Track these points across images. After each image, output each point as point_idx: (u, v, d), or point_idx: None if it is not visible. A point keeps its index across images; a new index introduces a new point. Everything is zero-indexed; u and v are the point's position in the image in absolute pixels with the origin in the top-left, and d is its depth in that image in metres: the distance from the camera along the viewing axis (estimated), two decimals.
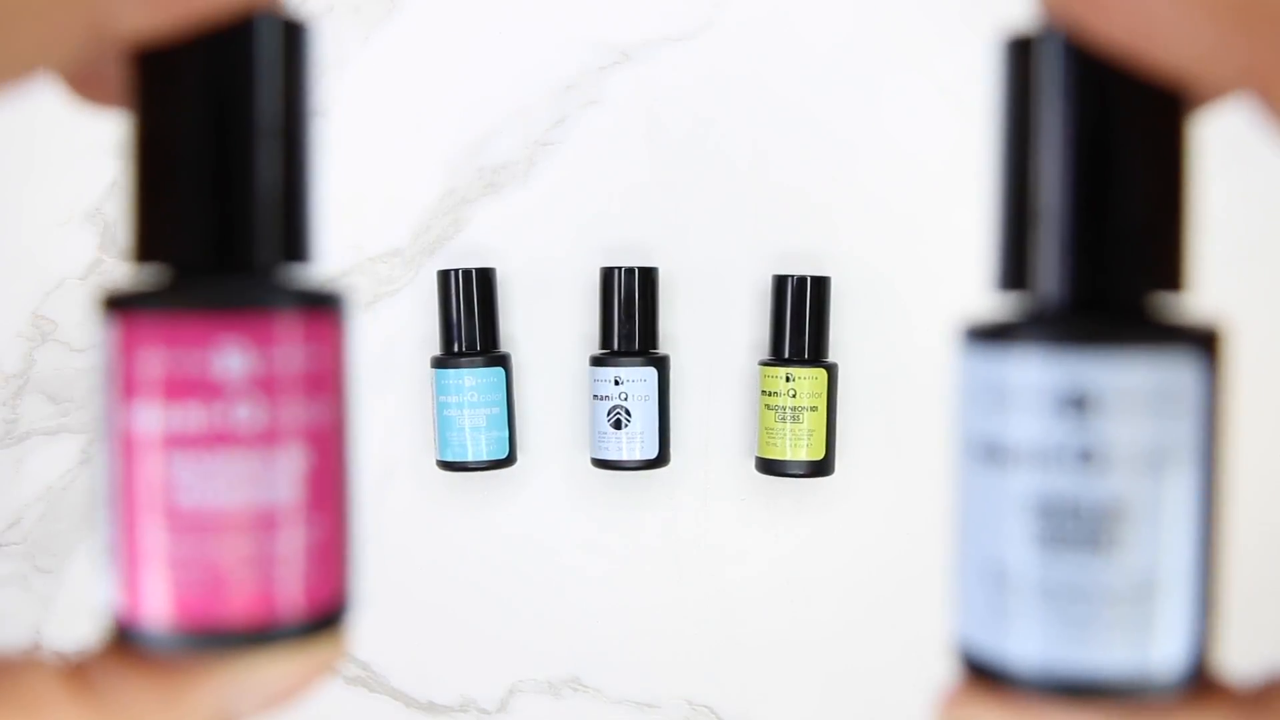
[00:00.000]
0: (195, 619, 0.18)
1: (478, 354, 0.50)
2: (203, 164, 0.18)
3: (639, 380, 0.49)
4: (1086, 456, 0.17)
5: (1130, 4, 0.17)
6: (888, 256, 0.53)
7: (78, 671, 0.19)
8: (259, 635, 0.18)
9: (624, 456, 0.49)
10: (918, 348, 0.51)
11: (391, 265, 0.53)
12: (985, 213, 0.57)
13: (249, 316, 0.17)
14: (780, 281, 0.50)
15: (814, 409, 0.49)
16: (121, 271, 0.54)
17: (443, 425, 0.50)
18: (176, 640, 0.18)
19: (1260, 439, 0.48)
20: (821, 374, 0.50)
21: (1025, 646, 0.18)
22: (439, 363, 0.50)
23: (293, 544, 0.18)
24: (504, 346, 0.52)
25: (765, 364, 0.50)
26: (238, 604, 0.18)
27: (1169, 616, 0.17)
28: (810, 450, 0.50)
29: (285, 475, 0.18)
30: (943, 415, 0.50)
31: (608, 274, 0.50)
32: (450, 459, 0.50)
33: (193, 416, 0.17)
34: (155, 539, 0.18)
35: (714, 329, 0.53)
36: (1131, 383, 0.17)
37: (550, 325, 0.53)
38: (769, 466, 0.50)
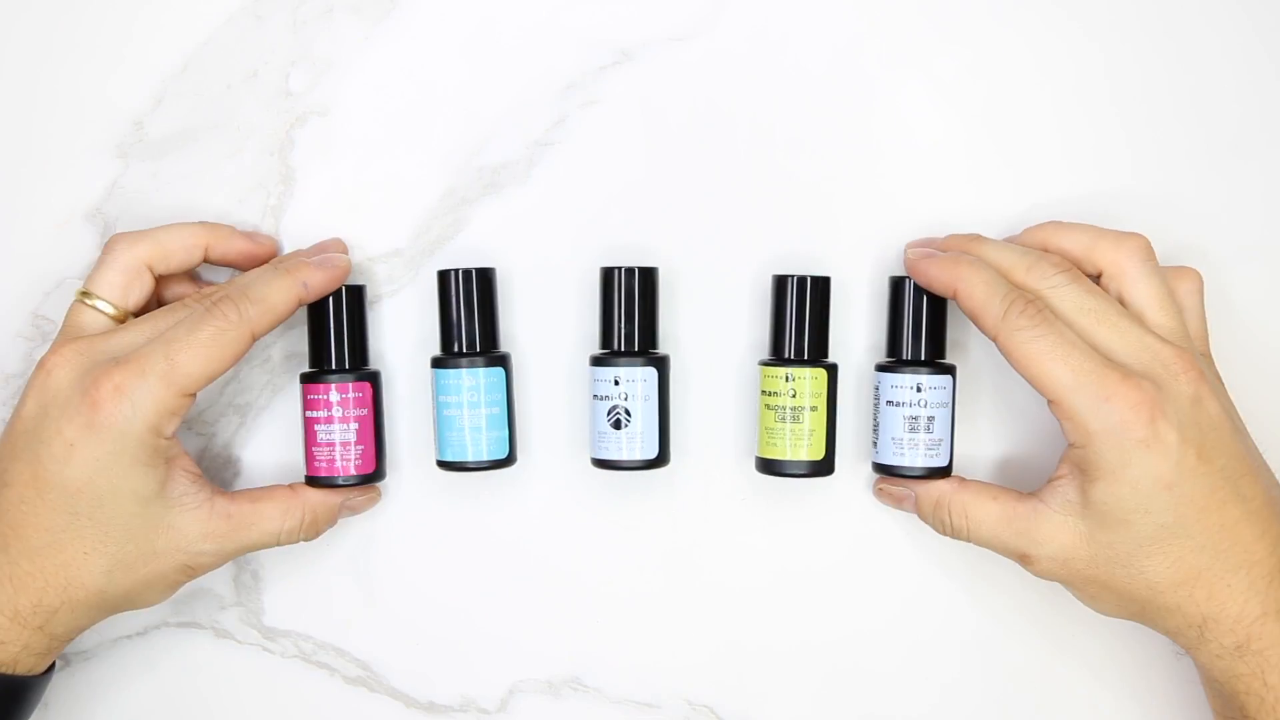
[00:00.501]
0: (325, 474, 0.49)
1: (478, 354, 0.50)
2: None
3: (639, 380, 0.49)
4: (921, 403, 0.49)
5: (941, 276, 0.47)
6: (889, 256, 0.53)
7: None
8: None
9: (624, 456, 0.49)
10: None
11: (391, 265, 0.53)
12: (985, 214, 0.57)
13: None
14: (780, 281, 0.50)
15: (814, 409, 0.49)
16: None
17: (442, 425, 0.50)
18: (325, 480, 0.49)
19: (1261, 439, 0.48)
20: (822, 374, 0.50)
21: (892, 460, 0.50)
22: (438, 363, 0.50)
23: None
24: (504, 346, 0.52)
25: (765, 364, 0.50)
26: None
27: (943, 448, 0.49)
28: (810, 450, 0.50)
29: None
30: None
31: (608, 273, 0.50)
32: (450, 459, 0.50)
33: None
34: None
35: (714, 329, 0.53)
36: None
37: (550, 325, 0.53)
38: (769, 466, 0.50)
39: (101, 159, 0.53)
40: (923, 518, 0.50)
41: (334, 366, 0.50)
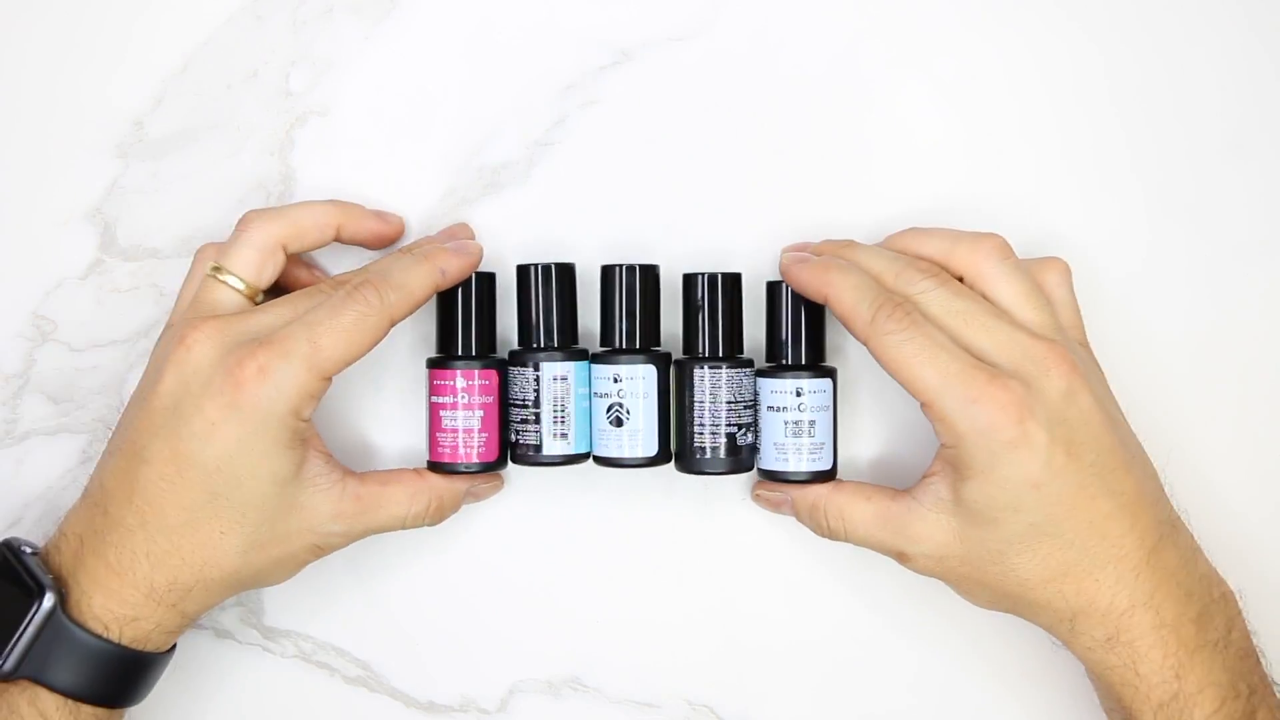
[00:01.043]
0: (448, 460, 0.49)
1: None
2: None
3: (639, 378, 0.49)
4: (801, 408, 0.49)
5: (811, 281, 0.47)
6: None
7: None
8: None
9: (623, 454, 0.49)
10: None
11: None
12: (985, 215, 0.57)
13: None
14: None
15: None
16: (121, 271, 0.54)
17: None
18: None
19: (1261, 439, 0.48)
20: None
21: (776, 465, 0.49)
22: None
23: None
24: (502, 345, 0.52)
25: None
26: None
27: (825, 451, 0.49)
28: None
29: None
30: None
31: (608, 271, 0.50)
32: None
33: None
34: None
35: None
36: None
37: None
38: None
39: (101, 159, 0.53)
40: (800, 521, 0.50)
41: (461, 353, 0.50)
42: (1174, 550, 0.45)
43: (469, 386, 0.49)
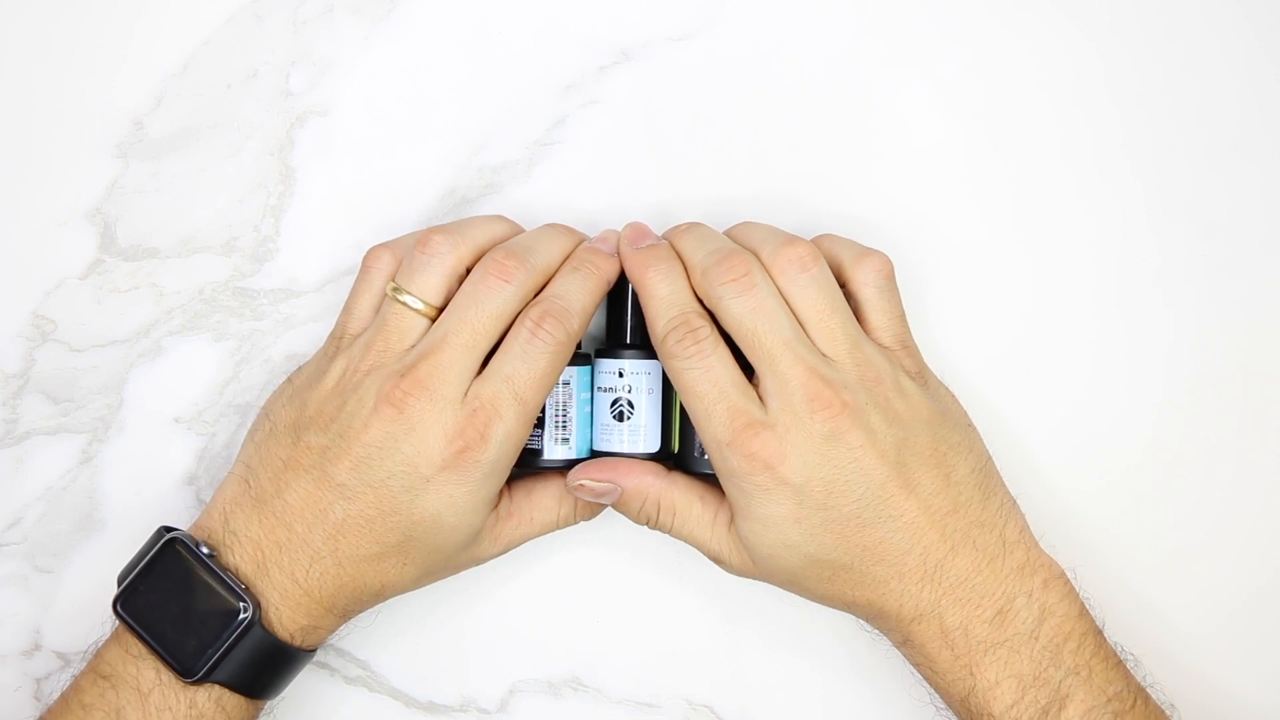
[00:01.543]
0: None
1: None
2: None
3: (643, 373, 0.49)
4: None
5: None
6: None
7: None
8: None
9: (626, 449, 0.49)
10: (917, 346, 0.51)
11: None
12: (985, 215, 0.57)
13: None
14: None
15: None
16: (121, 271, 0.54)
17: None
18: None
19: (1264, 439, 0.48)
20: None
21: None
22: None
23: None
24: None
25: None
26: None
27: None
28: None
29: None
30: None
31: None
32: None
33: None
34: None
35: None
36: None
37: None
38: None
39: (101, 159, 0.53)
40: (623, 509, 0.49)
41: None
42: (970, 555, 0.45)
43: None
